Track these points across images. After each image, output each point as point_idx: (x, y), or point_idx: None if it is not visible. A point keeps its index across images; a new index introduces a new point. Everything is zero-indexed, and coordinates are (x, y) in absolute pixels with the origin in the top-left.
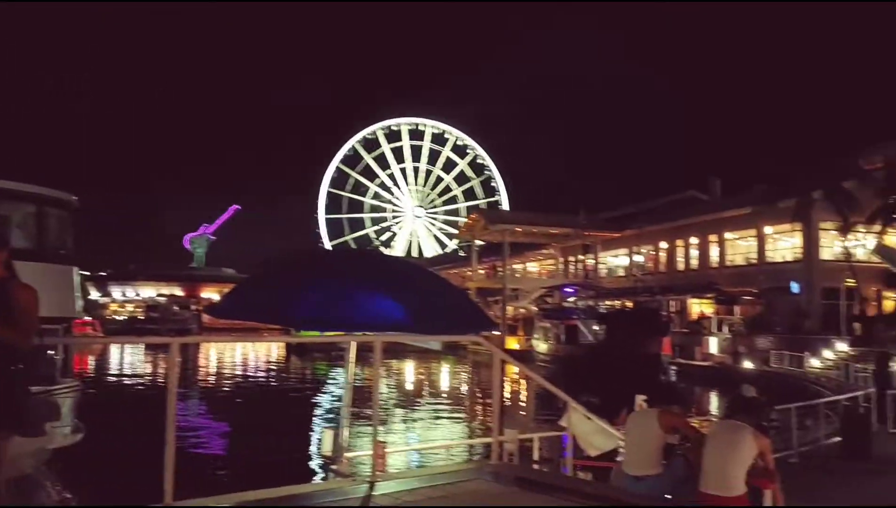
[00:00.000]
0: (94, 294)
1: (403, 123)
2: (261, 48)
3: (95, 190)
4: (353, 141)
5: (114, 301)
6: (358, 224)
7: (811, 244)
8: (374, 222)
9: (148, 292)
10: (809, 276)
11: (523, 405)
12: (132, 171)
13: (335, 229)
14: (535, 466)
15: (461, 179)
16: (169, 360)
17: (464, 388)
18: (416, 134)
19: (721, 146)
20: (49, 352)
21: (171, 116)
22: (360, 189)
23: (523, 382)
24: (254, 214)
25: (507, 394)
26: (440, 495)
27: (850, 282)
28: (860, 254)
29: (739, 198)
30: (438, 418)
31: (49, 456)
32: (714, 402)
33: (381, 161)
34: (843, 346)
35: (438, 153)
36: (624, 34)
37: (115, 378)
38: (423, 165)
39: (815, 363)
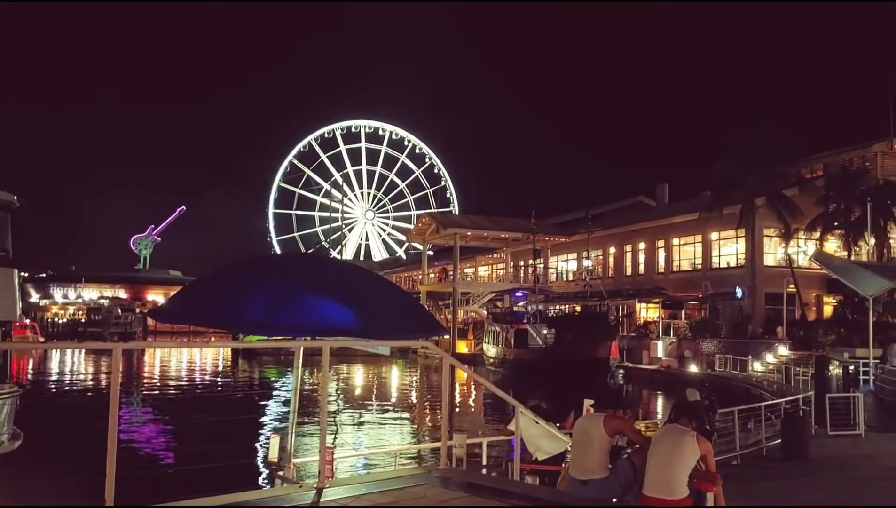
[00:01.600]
0: (35, 296)
1: (363, 125)
2: (219, 37)
3: (37, 186)
4: (310, 138)
5: (55, 303)
6: (307, 222)
7: (755, 250)
8: (324, 221)
9: (91, 294)
10: (753, 281)
11: (472, 409)
12: (78, 168)
13: (284, 224)
14: (484, 471)
15: (416, 186)
16: (112, 365)
17: (413, 393)
18: (375, 138)
19: (669, 153)
20: None
21: (119, 111)
22: (312, 187)
23: (473, 386)
24: (201, 216)
25: (456, 399)
26: (388, 501)
27: (792, 288)
28: (801, 261)
29: (686, 204)
30: (387, 423)
31: None
32: (660, 405)
33: (337, 160)
34: (784, 350)
35: (396, 159)
36: (579, 37)
37: (55, 384)
38: (378, 168)
39: (757, 366)
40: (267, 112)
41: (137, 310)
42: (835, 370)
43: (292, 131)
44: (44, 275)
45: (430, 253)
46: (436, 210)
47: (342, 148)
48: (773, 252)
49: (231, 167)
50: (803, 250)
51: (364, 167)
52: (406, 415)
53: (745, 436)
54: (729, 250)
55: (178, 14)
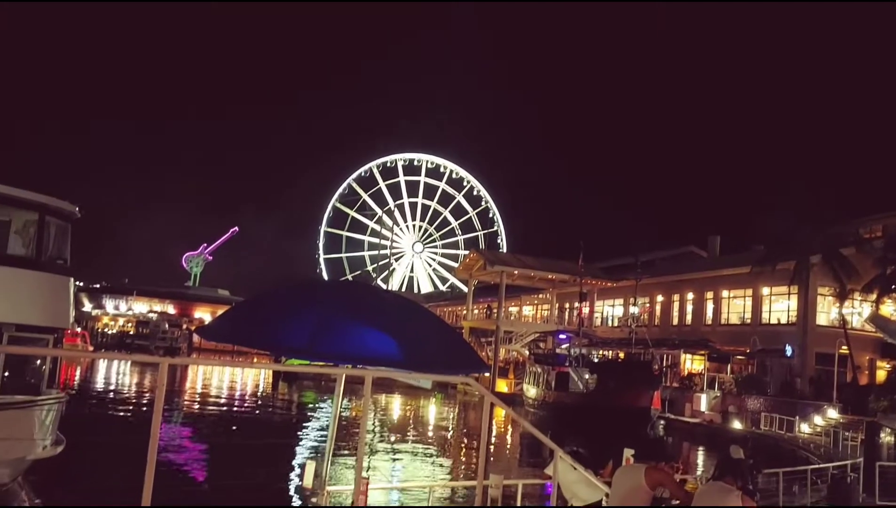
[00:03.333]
0: (87, 306)
1: (398, 159)
2: (279, 61)
3: (99, 200)
4: (350, 180)
5: (106, 314)
6: (357, 262)
7: (807, 308)
8: (372, 246)
9: (141, 307)
10: (804, 340)
11: (508, 449)
12: (136, 185)
13: (333, 244)
14: None
15: (458, 211)
16: (157, 379)
17: (451, 428)
18: (412, 169)
19: (723, 204)
20: (36, 361)
21: (179, 136)
22: (366, 211)
23: (511, 426)
24: (250, 236)
25: (493, 438)
26: None
27: (844, 349)
28: (855, 322)
29: (738, 257)
30: (423, 456)
31: (28, 467)
32: (701, 460)
33: (378, 198)
34: (833, 413)
35: (435, 188)
36: (638, 84)
37: (100, 393)
38: (419, 200)
39: (805, 428)
40: (318, 137)
41: (184, 326)
42: (886, 437)
43: (351, 158)
44: (97, 286)
45: (476, 288)
46: (481, 232)
47: (381, 184)
48: (827, 311)
49: (284, 191)
50: (858, 311)
51: (420, 200)
52: (442, 450)
53: (790, 499)
54: (780, 306)
55: (242, 28)
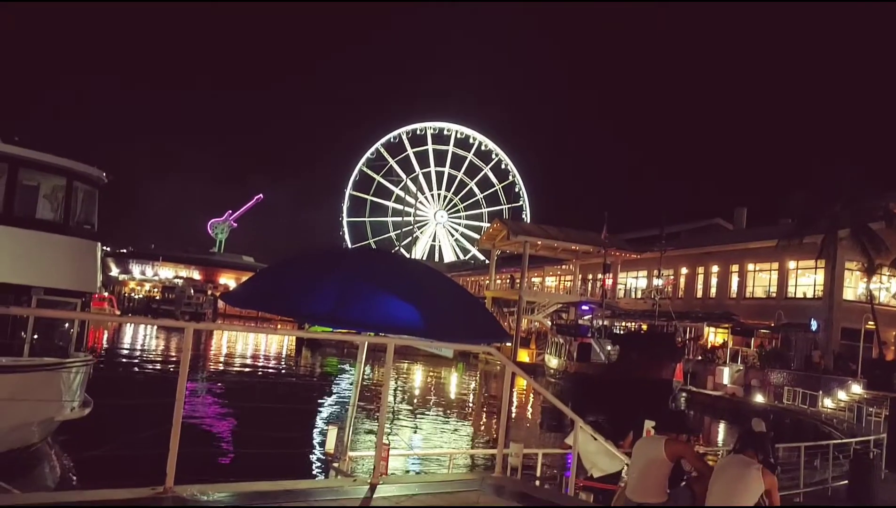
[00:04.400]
0: (114, 271)
1: (428, 127)
2: (303, 39)
3: (126, 166)
4: (378, 144)
5: (133, 279)
6: (381, 228)
7: (834, 283)
8: (396, 226)
9: (167, 272)
10: (830, 314)
11: (529, 419)
12: (165, 152)
13: (358, 232)
14: (538, 482)
15: (484, 184)
16: (183, 345)
17: (472, 397)
18: (441, 138)
19: (751, 176)
20: (65, 325)
21: (204, 103)
22: (392, 177)
23: (532, 396)
24: (275, 204)
25: (514, 407)
26: (440, 503)
27: (871, 325)
28: (883, 297)
29: (764, 230)
30: (444, 424)
31: (56, 428)
32: (722, 433)
33: (405, 165)
34: (857, 388)
35: (463, 158)
36: (667, 57)
37: (127, 356)
38: (446, 169)
39: (828, 403)
40: (353, 103)
41: (209, 292)
42: None
43: (379, 124)
44: (124, 251)
45: (500, 258)
46: (505, 206)
47: (409, 151)
48: (854, 286)
49: (308, 159)
50: (886, 286)
51: (447, 170)
52: (462, 419)
53: (811, 473)
54: (806, 280)
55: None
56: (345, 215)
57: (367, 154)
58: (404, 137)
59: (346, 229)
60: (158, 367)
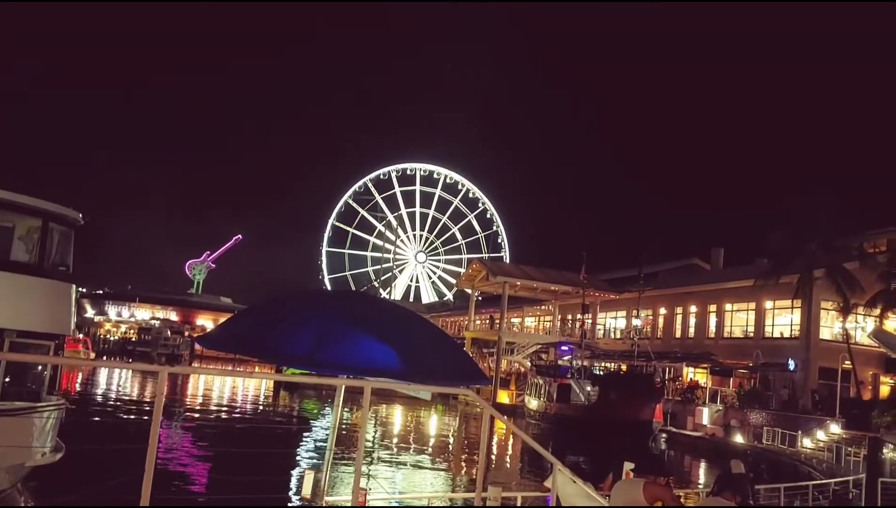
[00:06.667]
0: (90, 312)
1: (418, 168)
2: (281, 72)
3: (103, 208)
4: (366, 179)
5: (108, 320)
6: (359, 261)
7: (811, 322)
8: (376, 261)
9: (143, 314)
10: (807, 354)
11: (509, 461)
12: (139, 192)
13: (336, 263)
14: None
15: (468, 231)
16: (156, 388)
17: (451, 439)
18: (430, 181)
19: (727, 217)
20: (37, 368)
21: (184, 141)
22: (366, 228)
23: (511, 437)
24: (254, 247)
25: (493, 449)
26: None
27: (848, 364)
28: (859, 337)
29: (741, 270)
30: (422, 468)
31: (27, 474)
32: (702, 473)
33: (391, 202)
34: (836, 428)
35: (449, 203)
36: (637, 94)
37: (101, 400)
38: (431, 211)
39: (807, 443)
40: (323, 148)
41: (186, 334)
42: (889, 453)
43: (346, 170)
44: (100, 292)
45: (479, 299)
46: (486, 255)
47: (397, 190)
48: (830, 326)
49: (286, 199)
50: (862, 325)
51: (417, 210)
52: (441, 461)
53: None
54: (783, 320)
55: (245, 37)
56: (325, 244)
57: (355, 187)
58: (393, 174)
59: (324, 259)
60: (133, 411)
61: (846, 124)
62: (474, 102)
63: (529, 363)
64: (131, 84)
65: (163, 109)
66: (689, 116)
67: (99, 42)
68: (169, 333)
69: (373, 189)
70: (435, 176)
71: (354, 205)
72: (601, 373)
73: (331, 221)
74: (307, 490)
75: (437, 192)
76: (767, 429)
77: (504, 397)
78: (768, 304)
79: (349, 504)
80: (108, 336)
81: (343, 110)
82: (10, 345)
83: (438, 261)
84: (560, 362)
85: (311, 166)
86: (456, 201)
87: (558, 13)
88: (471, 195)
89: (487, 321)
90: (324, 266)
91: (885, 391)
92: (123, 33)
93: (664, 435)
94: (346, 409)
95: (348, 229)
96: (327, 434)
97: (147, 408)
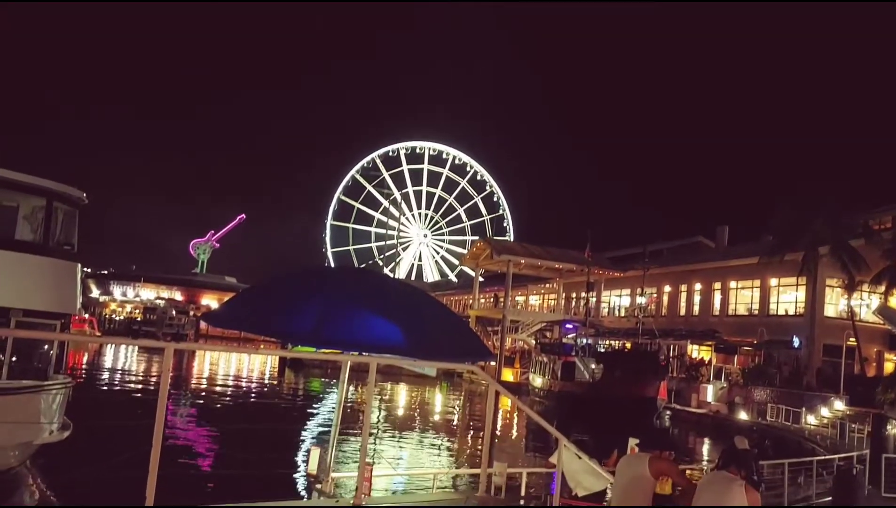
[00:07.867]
0: (95, 292)
1: (427, 147)
2: (287, 52)
3: (107, 188)
4: (374, 155)
5: (114, 300)
6: (363, 236)
7: (815, 300)
8: (379, 237)
9: (148, 293)
10: (811, 331)
11: (514, 438)
12: (144, 172)
13: (340, 237)
14: (522, 502)
15: (473, 212)
16: (162, 365)
17: (456, 416)
18: (438, 160)
19: (732, 194)
20: (44, 346)
21: (184, 123)
22: (372, 204)
23: (516, 414)
24: (259, 225)
25: (498, 426)
26: None
27: (852, 341)
28: (864, 313)
29: (746, 247)
30: (427, 444)
31: (35, 451)
32: (706, 450)
33: (398, 180)
34: (840, 405)
35: (456, 184)
36: (648, 75)
37: (107, 378)
38: (438, 191)
39: (811, 419)
40: (328, 125)
41: (191, 313)
42: (893, 429)
43: (354, 147)
44: (105, 272)
45: (482, 278)
46: (487, 217)
47: (405, 167)
48: (835, 303)
49: (290, 178)
50: (867, 303)
51: (424, 188)
52: (447, 438)
53: (795, 490)
54: (788, 297)
55: (258, 20)
56: (330, 217)
57: (363, 162)
58: (402, 152)
59: (328, 232)
60: (139, 388)
61: (853, 100)
62: (489, 89)
63: (534, 341)
64: (137, 67)
65: (168, 88)
66: (697, 93)
67: (104, 40)
68: (174, 312)
69: (381, 165)
70: (444, 156)
71: (361, 180)
72: (606, 351)
73: (337, 194)
74: (313, 467)
75: (445, 172)
76: (772, 406)
77: (509, 374)
78: (773, 281)
79: (356, 479)
80: (113, 316)
81: (354, 95)
82: (16, 323)
83: (443, 240)
84: (564, 339)
85: (318, 151)
86: (463, 183)
87: None
88: (479, 178)
89: (492, 300)
90: (328, 240)
91: (889, 367)
92: (129, 32)
93: (668, 412)
94: (351, 386)
95: (354, 203)
96: (333, 411)
97: (153, 385)
